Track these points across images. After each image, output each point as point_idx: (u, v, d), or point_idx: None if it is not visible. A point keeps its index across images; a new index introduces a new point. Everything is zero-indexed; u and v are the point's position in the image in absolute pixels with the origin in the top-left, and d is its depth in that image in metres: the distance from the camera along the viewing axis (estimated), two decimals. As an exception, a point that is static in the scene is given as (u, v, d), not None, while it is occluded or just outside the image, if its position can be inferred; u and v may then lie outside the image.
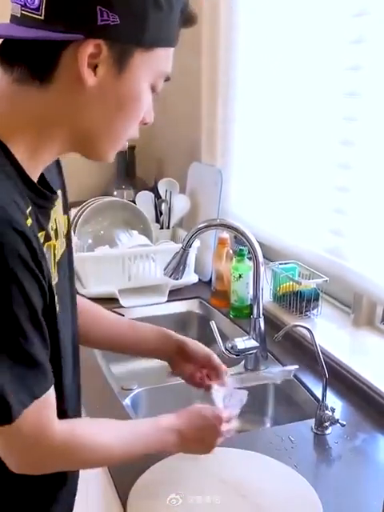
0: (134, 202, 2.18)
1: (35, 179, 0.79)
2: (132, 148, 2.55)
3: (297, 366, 1.42)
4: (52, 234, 0.83)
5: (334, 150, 1.56)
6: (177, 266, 1.48)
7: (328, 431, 1.22)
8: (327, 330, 1.59)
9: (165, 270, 1.50)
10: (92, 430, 0.89)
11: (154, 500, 1.01)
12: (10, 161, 0.74)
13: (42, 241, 0.77)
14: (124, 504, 1.01)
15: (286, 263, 1.73)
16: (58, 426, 0.81)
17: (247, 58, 1.89)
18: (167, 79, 0.82)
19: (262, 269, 1.46)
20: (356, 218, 1.51)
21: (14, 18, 0.75)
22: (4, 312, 0.70)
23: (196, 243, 1.83)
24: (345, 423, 1.21)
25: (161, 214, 2.19)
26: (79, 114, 0.77)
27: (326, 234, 1.63)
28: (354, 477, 1.12)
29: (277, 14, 1.74)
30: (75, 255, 1.85)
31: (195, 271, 2.00)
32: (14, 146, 0.75)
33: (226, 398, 1.07)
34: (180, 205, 2.17)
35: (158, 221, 2.19)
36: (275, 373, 1.42)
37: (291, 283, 1.67)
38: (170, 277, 1.50)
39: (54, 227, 0.84)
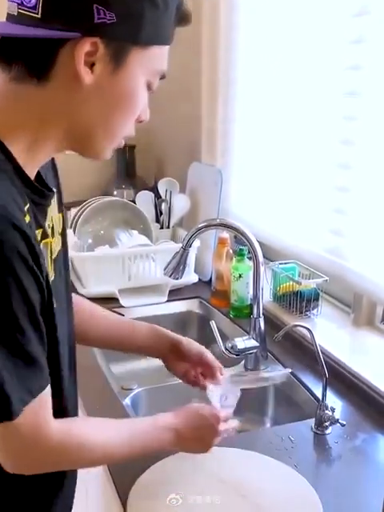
0: (134, 201, 2.18)
1: (32, 177, 0.79)
2: (132, 147, 2.55)
3: (290, 370, 1.42)
4: (49, 231, 0.83)
5: (334, 150, 1.56)
6: (177, 266, 1.48)
7: (328, 431, 1.22)
8: (327, 330, 1.59)
9: (165, 269, 1.50)
10: (89, 430, 0.89)
11: (154, 500, 1.01)
12: (8, 158, 0.75)
13: (39, 238, 0.78)
14: (124, 504, 1.01)
15: (286, 263, 1.73)
16: (54, 425, 0.81)
17: (247, 58, 1.89)
18: (163, 77, 0.82)
19: (262, 268, 1.46)
20: (356, 217, 1.51)
21: (10, 17, 0.75)
22: (2, 309, 0.71)
23: (196, 243, 1.83)
24: (345, 423, 1.21)
25: (161, 213, 2.19)
26: (76, 112, 0.78)
27: (326, 233, 1.63)
28: (354, 477, 1.12)
29: (277, 13, 1.74)
30: (75, 255, 1.88)
31: (195, 271, 2.00)
32: (12, 143, 0.75)
33: (223, 397, 1.07)
34: (180, 204, 2.17)
35: (158, 220, 2.19)
36: (271, 375, 1.40)
37: (291, 283, 1.67)
38: (170, 276, 1.50)
39: (51, 225, 0.85)
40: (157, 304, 1.88)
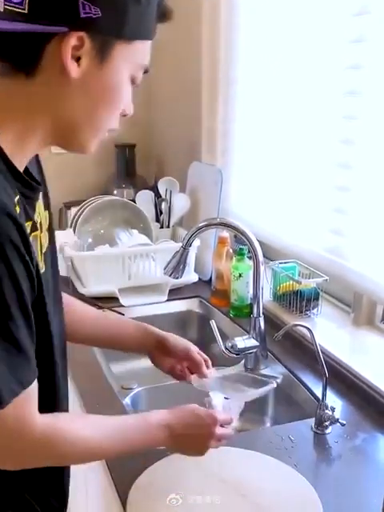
0: (134, 201, 2.18)
1: (21, 170, 0.80)
2: (132, 147, 2.55)
3: (275, 385, 1.43)
4: (38, 225, 0.84)
5: (334, 149, 1.56)
6: (177, 265, 1.48)
7: (328, 430, 1.22)
8: (327, 330, 1.59)
9: (165, 269, 1.50)
10: (75, 425, 0.89)
11: (154, 500, 1.01)
12: None
13: (29, 230, 0.78)
14: (124, 504, 1.01)
15: (286, 262, 1.73)
16: (39, 419, 0.81)
17: (247, 58, 1.89)
18: (146, 71, 0.84)
19: (262, 268, 1.46)
20: (356, 217, 1.51)
21: None
22: None
23: (196, 242, 1.83)
24: (345, 422, 1.21)
25: (161, 213, 2.19)
26: (62, 105, 0.79)
27: (326, 233, 1.63)
28: (354, 476, 1.12)
29: (277, 13, 1.74)
30: (75, 254, 1.89)
31: (195, 270, 2.00)
32: (1, 137, 0.76)
33: (226, 406, 1.08)
34: (180, 204, 2.17)
35: (158, 220, 2.19)
36: (258, 391, 1.39)
37: (291, 282, 1.67)
38: (170, 276, 1.50)
39: (39, 220, 0.86)
40: (157, 303, 1.88)
